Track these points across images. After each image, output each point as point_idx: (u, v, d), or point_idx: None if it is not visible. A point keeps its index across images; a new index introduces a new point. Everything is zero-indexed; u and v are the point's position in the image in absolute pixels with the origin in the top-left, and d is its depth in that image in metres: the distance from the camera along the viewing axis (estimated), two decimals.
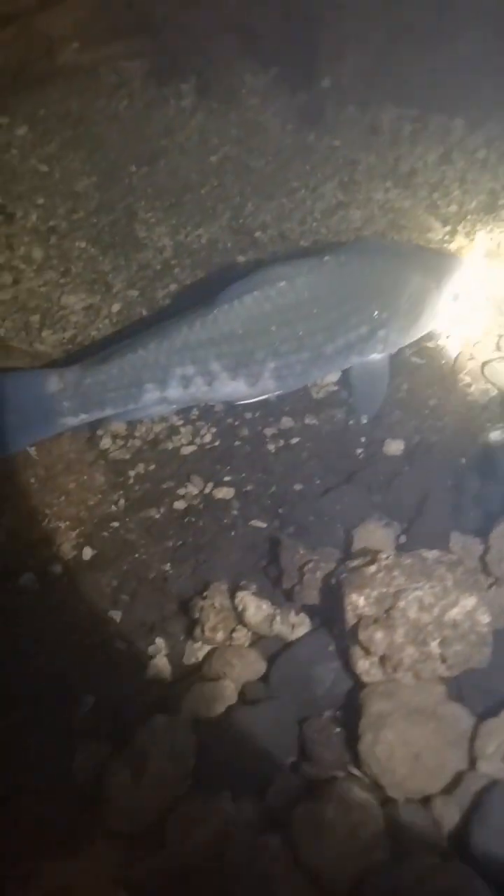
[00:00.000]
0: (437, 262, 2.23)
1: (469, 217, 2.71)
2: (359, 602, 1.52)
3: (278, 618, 1.71)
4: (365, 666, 1.49)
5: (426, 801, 1.33)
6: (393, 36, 3.13)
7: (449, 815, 1.28)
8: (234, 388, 2.11)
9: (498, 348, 2.35)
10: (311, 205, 2.68)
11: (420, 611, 1.45)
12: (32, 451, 2.19)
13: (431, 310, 2.19)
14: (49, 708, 1.73)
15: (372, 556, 1.65)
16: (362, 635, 1.47)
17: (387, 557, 1.59)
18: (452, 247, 2.66)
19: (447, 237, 2.66)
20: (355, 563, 1.66)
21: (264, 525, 2.05)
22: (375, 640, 1.45)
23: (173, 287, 2.53)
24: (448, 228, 2.67)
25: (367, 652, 1.47)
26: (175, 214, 2.67)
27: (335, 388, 2.33)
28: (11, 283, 2.54)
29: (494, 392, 2.20)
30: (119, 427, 2.29)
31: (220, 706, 1.60)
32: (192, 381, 2.09)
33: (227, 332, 2.03)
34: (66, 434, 2.23)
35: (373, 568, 1.57)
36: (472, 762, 1.34)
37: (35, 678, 1.80)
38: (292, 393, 2.28)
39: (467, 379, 2.28)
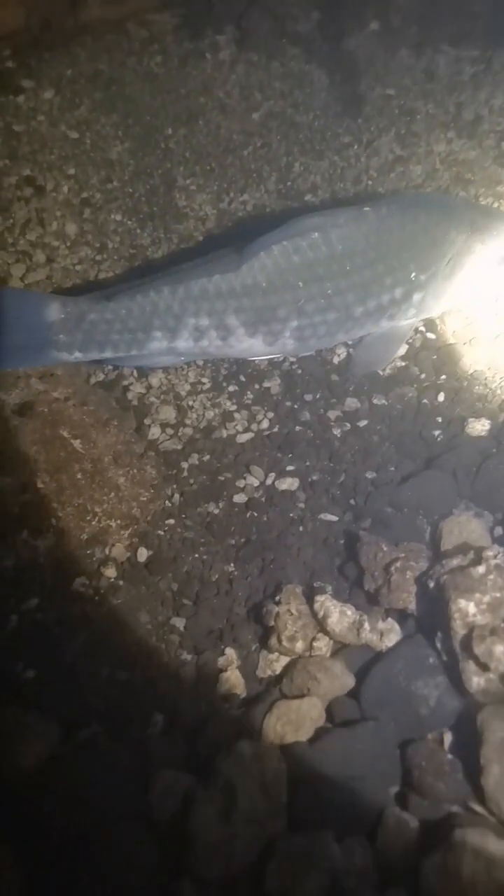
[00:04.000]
0: (487, 221, 2.00)
1: None
2: (468, 609, 1.33)
3: (366, 625, 1.52)
4: (480, 683, 1.30)
5: None
6: None
7: None
8: (249, 346, 1.93)
9: None
10: (366, 162, 2.45)
11: None
12: (77, 444, 2.02)
13: (475, 273, 1.98)
14: (118, 727, 1.57)
15: (475, 554, 1.45)
16: (478, 648, 1.28)
17: (496, 556, 1.40)
18: None
19: None
20: (455, 561, 1.47)
21: (336, 518, 1.86)
22: (495, 655, 1.26)
23: None
24: None
25: (484, 667, 1.28)
26: (217, 179, 2.46)
27: (403, 363, 2.12)
28: (45, 262, 2.35)
29: None
30: (168, 415, 2.11)
31: (308, 728, 1.42)
32: (206, 334, 1.91)
33: (249, 284, 1.84)
34: (112, 423, 2.06)
35: (481, 569, 1.38)
36: None
37: (99, 694, 1.65)
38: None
39: None
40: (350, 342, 2.10)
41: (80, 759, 1.51)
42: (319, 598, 1.58)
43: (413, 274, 1.87)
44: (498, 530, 1.67)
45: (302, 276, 1.82)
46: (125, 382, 2.16)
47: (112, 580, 1.83)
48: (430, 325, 2.15)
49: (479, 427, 1.89)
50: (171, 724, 1.56)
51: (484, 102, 2.64)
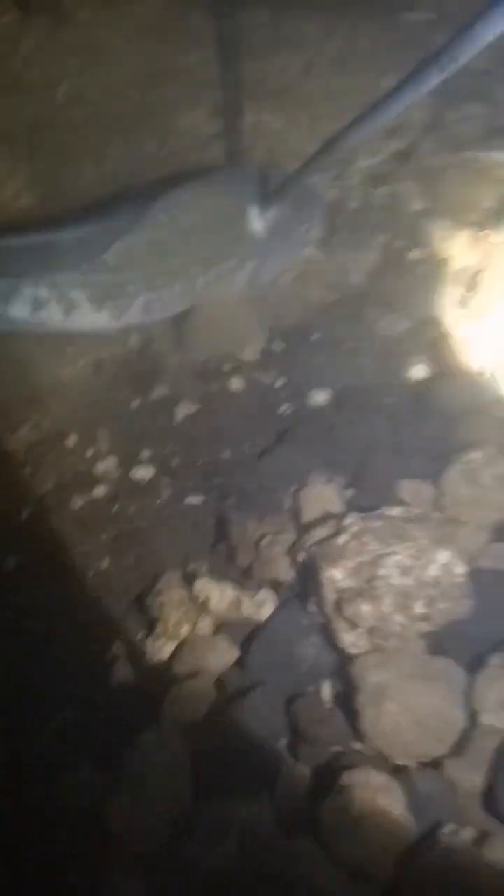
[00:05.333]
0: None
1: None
2: (336, 576, 1.48)
3: (245, 601, 1.64)
4: (351, 639, 1.47)
5: (437, 764, 1.35)
6: None
7: (464, 775, 1.31)
8: (94, 320, 1.94)
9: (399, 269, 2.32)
10: (181, 142, 2.46)
11: (402, 576, 1.44)
12: None
13: (292, 240, 2.11)
14: (28, 722, 1.60)
15: (335, 523, 1.60)
16: (348, 610, 1.44)
17: (352, 523, 1.56)
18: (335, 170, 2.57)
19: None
20: (319, 532, 1.62)
21: (201, 499, 1.95)
22: (363, 614, 1.42)
23: None
24: None
25: (354, 625, 1.44)
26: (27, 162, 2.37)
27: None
28: None
29: (406, 323, 2.18)
30: None
31: (203, 705, 1.53)
32: (45, 306, 1.88)
33: (98, 261, 1.85)
34: None
35: (343, 537, 1.53)
36: (474, 717, 1.37)
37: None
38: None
39: (375, 312, 2.24)
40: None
41: None
42: (199, 583, 1.68)
43: (244, 245, 1.95)
44: (349, 492, 1.84)
45: (152, 252, 1.84)
46: None
47: None
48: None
49: (321, 397, 2.04)
50: (72, 722, 1.61)
51: (281, 71, 2.73)
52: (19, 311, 1.85)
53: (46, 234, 1.83)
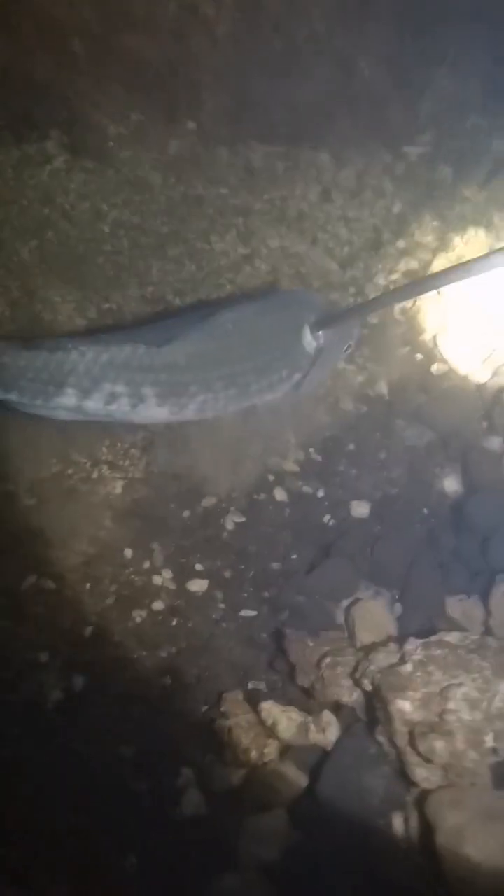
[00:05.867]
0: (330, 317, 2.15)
1: (361, 256, 2.62)
2: (405, 707, 1.40)
3: (312, 726, 1.54)
4: (424, 774, 1.37)
5: None
6: (246, 74, 2.93)
7: None
8: (155, 414, 1.93)
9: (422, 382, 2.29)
10: (217, 263, 2.44)
11: (471, 710, 1.35)
12: None
13: (330, 360, 2.14)
14: (93, 879, 1.46)
15: (396, 648, 1.52)
16: (422, 746, 1.35)
17: (414, 650, 1.47)
18: (351, 289, 2.57)
19: (347, 280, 2.56)
20: (379, 656, 1.53)
21: (254, 613, 1.86)
22: (437, 750, 1.33)
23: None
24: (346, 272, 2.57)
25: (428, 760, 1.35)
26: (77, 289, 2.33)
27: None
28: None
29: (432, 434, 2.14)
30: None
31: (278, 841, 1.41)
32: (117, 400, 1.86)
33: (170, 361, 1.84)
34: None
35: (408, 666, 1.44)
36: None
37: (66, 843, 1.51)
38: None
39: (401, 423, 2.21)
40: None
41: None
42: (265, 706, 1.58)
43: (295, 358, 1.95)
44: (397, 607, 1.77)
45: (215, 358, 1.85)
46: None
47: (51, 711, 1.70)
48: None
49: (362, 509, 1.98)
50: (145, 862, 1.47)
51: (301, 197, 2.74)
52: (95, 404, 1.82)
53: (122, 337, 1.83)
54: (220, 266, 2.46)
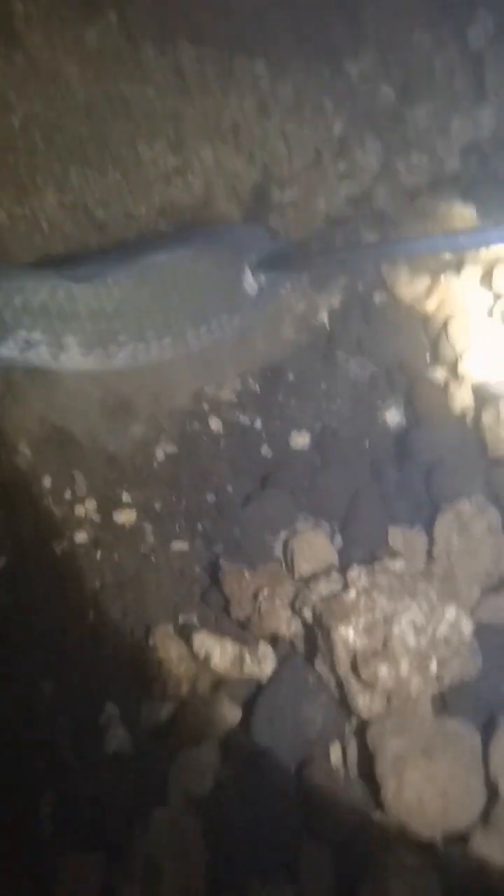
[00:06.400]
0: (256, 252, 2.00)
1: (301, 178, 2.47)
2: (348, 635, 1.33)
3: (248, 658, 1.46)
4: (365, 701, 1.32)
5: (464, 838, 1.22)
6: None
7: (493, 850, 1.20)
8: (80, 363, 1.76)
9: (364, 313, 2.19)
10: (146, 173, 2.22)
11: (417, 636, 1.31)
12: None
13: (274, 296, 2.01)
14: (6, 816, 1.34)
15: (338, 576, 1.45)
16: (365, 672, 1.29)
17: (358, 577, 1.41)
18: (290, 212, 2.42)
19: (286, 202, 2.41)
20: (320, 585, 1.46)
21: (186, 546, 1.74)
22: (381, 676, 1.28)
23: None
24: (285, 193, 2.41)
25: (371, 687, 1.30)
26: None
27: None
28: None
29: (374, 367, 2.06)
30: None
31: (209, 776, 1.34)
32: (35, 348, 1.69)
33: (95, 308, 1.67)
34: None
35: (351, 593, 1.38)
36: (494, 784, 1.25)
37: None
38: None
39: (343, 355, 2.11)
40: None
41: None
42: (198, 637, 1.48)
43: (235, 303, 1.80)
44: (338, 539, 1.70)
45: (148, 304, 1.66)
46: None
47: None
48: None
49: (301, 440, 1.89)
50: (64, 800, 1.37)
51: (237, 108, 2.53)
52: (8, 350, 1.62)
53: (41, 277, 1.60)
54: (149, 176, 2.24)
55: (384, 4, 2.59)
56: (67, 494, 1.79)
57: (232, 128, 2.40)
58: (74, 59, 2.22)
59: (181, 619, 1.59)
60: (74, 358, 1.67)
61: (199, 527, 1.77)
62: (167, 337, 1.74)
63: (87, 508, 1.78)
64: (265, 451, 1.91)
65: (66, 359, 1.67)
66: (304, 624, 1.45)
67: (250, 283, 1.83)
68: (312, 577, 1.50)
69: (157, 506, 1.80)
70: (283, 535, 1.71)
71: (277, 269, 1.88)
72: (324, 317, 2.18)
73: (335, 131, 2.54)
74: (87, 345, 1.67)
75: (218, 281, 1.80)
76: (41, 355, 1.66)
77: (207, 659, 1.45)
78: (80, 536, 1.73)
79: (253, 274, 1.83)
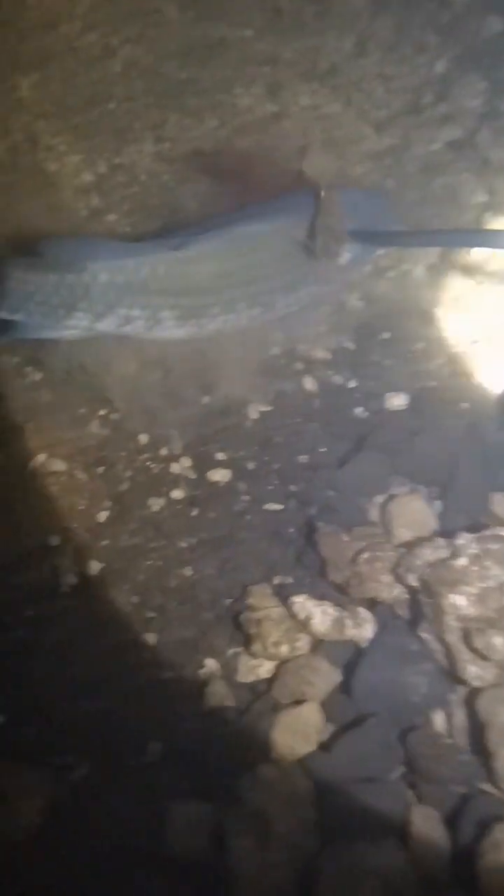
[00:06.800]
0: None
1: (399, 121, 2.32)
2: (459, 602, 1.30)
3: (348, 621, 1.45)
4: (476, 671, 1.29)
5: None
6: None
7: None
8: (172, 334, 1.76)
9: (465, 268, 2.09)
10: (242, 119, 2.14)
11: None
12: None
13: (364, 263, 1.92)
14: (110, 763, 1.39)
15: (446, 542, 1.41)
16: (479, 642, 1.26)
17: (467, 544, 1.37)
18: (387, 159, 2.29)
19: (384, 149, 2.28)
20: (425, 551, 1.43)
21: (280, 507, 1.72)
22: (496, 646, 1.25)
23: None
24: (382, 138, 2.28)
25: (483, 657, 1.27)
26: (86, 138, 2.03)
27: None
28: None
29: (478, 326, 1.96)
30: None
31: (313, 736, 1.34)
32: (133, 322, 1.71)
33: (191, 284, 1.68)
34: None
35: (462, 560, 1.34)
36: None
37: (77, 728, 1.44)
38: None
39: (443, 311, 2.02)
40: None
41: (83, 805, 1.33)
42: (298, 599, 1.47)
43: (326, 271, 1.77)
44: (437, 505, 1.65)
45: (239, 278, 1.64)
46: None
47: (66, 597, 1.59)
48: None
49: (398, 401, 1.83)
50: (169, 750, 1.41)
51: (334, 48, 2.39)
52: (107, 325, 1.67)
53: (143, 253, 1.61)
54: (245, 123, 2.16)
55: None
56: (163, 451, 1.80)
57: (329, 69, 2.28)
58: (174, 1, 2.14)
59: (276, 581, 1.59)
60: (168, 329, 1.69)
61: (293, 488, 1.75)
62: (257, 307, 1.72)
63: (183, 466, 1.79)
64: (359, 411, 1.86)
65: (159, 330, 1.68)
66: (408, 590, 1.43)
67: (343, 252, 1.76)
68: (416, 543, 1.47)
69: (251, 465, 1.79)
70: (378, 499, 1.67)
71: (371, 242, 1.80)
72: (421, 272, 2.08)
73: (436, 70, 2.38)
74: (182, 318, 1.69)
75: (301, 252, 1.74)
76: (136, 329, 1.69)
77: (307, 621, 1.45)
78: (176, 493, 1.74)
79: (349, 243, 1.76)
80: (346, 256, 1.78)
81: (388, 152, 2.27)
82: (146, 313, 1.66)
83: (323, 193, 1.69)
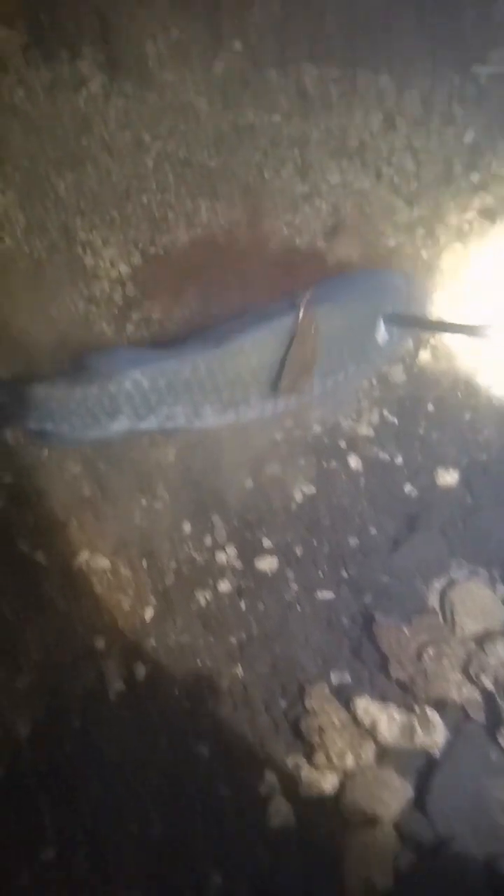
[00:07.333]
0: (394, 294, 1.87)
1: (430, 192, 2.30)
2: None
3: (418, 727, 1.32)
4: None
5: None
6: None
7: None
8: (212, 423, 1.71)
9: None
10: (274, 202, 2.14)
11: None
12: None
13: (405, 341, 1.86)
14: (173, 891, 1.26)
15: None
16: None
17: None
18: (420, 230, 2.26)
19: (415, 220, 2.25)
20: (499, 648, 1.30)
21: (332, 595, 1.62)
22: None
23: (145, 329, 1.93)
24: (414, 210, 2.26)
25: None
26: (120, 230, 2.04)
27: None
28: None
29: None
30: None
31: (388, 862, 1.21)
32: (174, 418, 1.66)
33: (233, 378, 1.63)
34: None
35: None
36: None
37: (139, 856, 1.31)
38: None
39: (489, 379, 1.94)
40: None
41: None
42: (362, 703, 1.36)
43: (366, 354, 1.72)
44: (500, 588, 1.53)
45: (276, 368, 1.59)
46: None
47: (112, 704, 1.49)
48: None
49: (449, 477, 1.73)
50: (230, 883, 1.28)
51: (362, 125, 2.40)
52: (149, 424, 1.64)
53: (184, 354, 1.58)
54: (277, 206, 2.15)
55: None
56: (208, 541, 1.72)
57: (358, 146, 2.28)
58: (203, 91, 2.17)
59: (334, 678, 1.47)
60: (208, 420, 1.64)
61: (344, 574, 1.65)
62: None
63: (229, 555, 1.70)
64: (409, 489, 1.76)
65: (200, 422, 1.64)
66: (482, 691, 1.30)
67: (383, 334, 1.71)
68: (486, 637, 1.35)
69: (299, 550, 1.70)
70: (437, 584, 1.56)
71: (410, 325, 1.75)
72: (463, 341, 2.01)
73: (466, 140, 2.36)
74: (222, 409, 1.65)
75: (351, 335, 1.71)
76: (178, 423, 1.65)
77: (373, 727, 1.33)
78: (223, 585, 1.65)
79: (386, 326, 1.71)
80: (385, 337, 1.73)
81: (420, 223, 2.23)
82: (188, 410, 1.62)
83: (301, 315, 1.59)
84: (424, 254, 2.20)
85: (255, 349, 1.58)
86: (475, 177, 2.30)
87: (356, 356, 1.70)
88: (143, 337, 1.90)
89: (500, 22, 2.48)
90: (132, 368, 1.57)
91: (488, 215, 2.26)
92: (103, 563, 1.65)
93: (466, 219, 2.26)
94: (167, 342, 1.74)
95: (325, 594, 1.62)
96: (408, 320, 1.76)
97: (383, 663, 1.45)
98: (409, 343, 1.91)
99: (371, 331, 1.71)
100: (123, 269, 1.98)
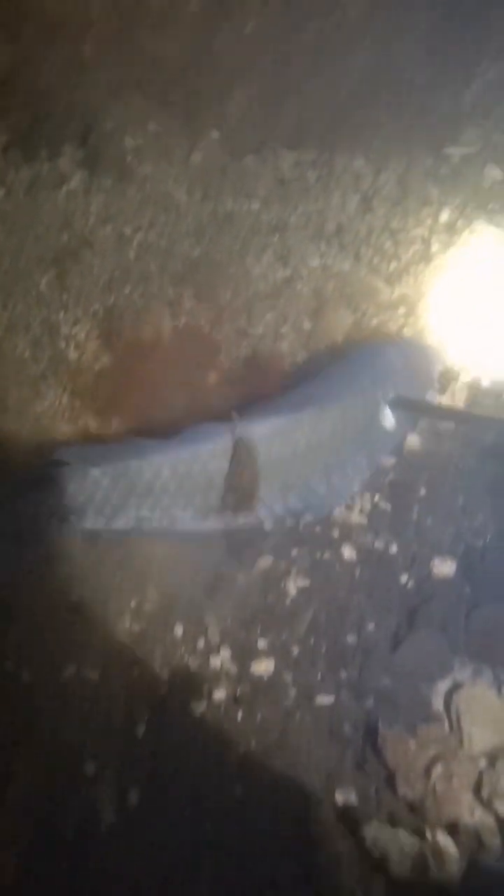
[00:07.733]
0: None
1: (410, 270, 2.31)
2: None
3: (431, 860, 1.23)
4: None
5: None
6: (272, 73, 2.62)
7: None
8: (196, 527, 1.68)
9: None
10: (255, 288, 2.13)
11: None
12: None
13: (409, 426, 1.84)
14: None
15: None
16: None
17: None
18: (401, 308, 2.26)
19: (396, 299, 2.25)
20: None
21: (332, 699, 1.53)
22: None
23: (130, 422, 1.90)
24: (395, 290, 2.26)
25: None
26: (104, 322, 2.02)
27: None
28: None
29: None
30: None
31: None
32: (148, 521, 1.66)
33: (210, 480, 1.58)
34: None
35: None
36: None
37: None
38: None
39: (480, 462, 1.89)
40: None
41: None
42: (370, 832, 1.26)
43: (372, 444, 1.69)
44: None
45: (287, 466, 1.58)
46: None
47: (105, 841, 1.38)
48: None
49: (446, 567, 1.67)
50: None
51: (339, 208, 2.43)
52: (123, 523, 1.60)
53: (164, 453, 1.54)
54: (259, 292, 2.15)
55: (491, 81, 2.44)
56: (201, 643, 1.64)
57: (336, 229, 2.30)
58: (183, 182, 2.19)
59: (339, 797, 1.38)
60: (189, 523, 1.58)
61: (343, 675, 1.56)
62: (291, 497, 1.61)
63: (223, 658, 1.62)
64: (405, 580, 1.70)
65: (180, 525, 1.58)
66: (497, 817, 1.21)
67: (389, 419, 1.67)
68: (497, 754, 1.26)
69: (295, 651, 1.62)
70: (441, 685, 1.48)
71: (413, 411, 1.72)
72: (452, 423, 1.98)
73: (442, 219, 2.39)
74: (202, 513, 1.58)
75: (354, 424, 1.66)
76: (154, 526, 1.60)
77: (385, 859, 1.23)
78: (218, 693, 1.56)
79: (392, 411, 1.67)
80: (391, 421, 1.69)
81: (401, 302, 2.23)
82: (160, 514, 1.58)
83: (235, 441, 1.56)
84: (407, 331, 2.20)
85: (223, 456, 1.54)
86: (453, 254, 2.32)
87: (363, 447, 1.65)
88: (125, 431, 1.87)
89: (472, 103, 2.55)
90: (92, 467, 1.52)
91: (468, 291, 2.27)
92: (92, 675, 1.56)
93: (446, 295, 2.27)
94: (138, 441, 1.69)
95: (325, 699, 1.53)
96: (412, 405, 1.72)
97: (389, 778, 1.36)
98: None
99: (375, 420, 1.67)
100: (106, 360, 1.96)
